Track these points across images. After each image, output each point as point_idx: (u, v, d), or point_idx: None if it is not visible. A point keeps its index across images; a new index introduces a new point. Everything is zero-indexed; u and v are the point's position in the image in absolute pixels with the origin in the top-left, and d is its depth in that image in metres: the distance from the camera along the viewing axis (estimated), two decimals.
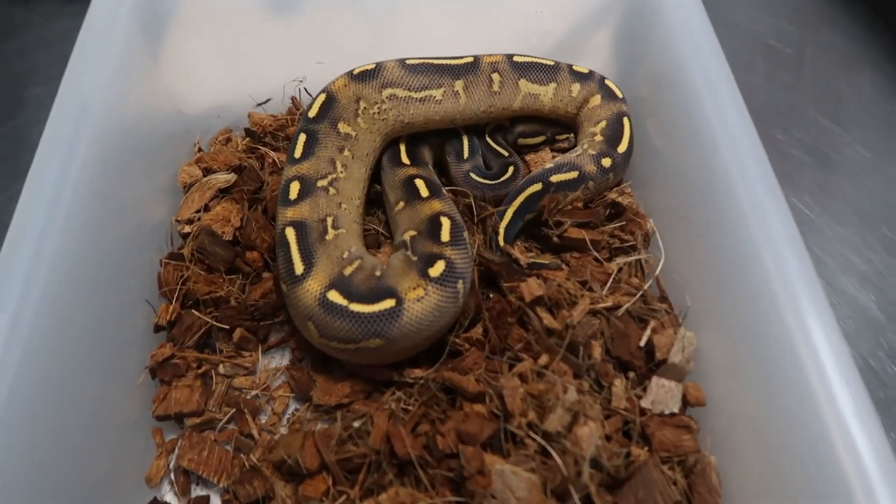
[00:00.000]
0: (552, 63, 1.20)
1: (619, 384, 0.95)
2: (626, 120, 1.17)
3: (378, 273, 0.97)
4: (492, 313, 1.02)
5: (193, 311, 1.04)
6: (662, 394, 0.94)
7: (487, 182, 1.17)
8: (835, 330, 0.78)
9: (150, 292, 1.04)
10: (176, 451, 0.98)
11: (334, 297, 0.91)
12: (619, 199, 1.14)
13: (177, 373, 1.02)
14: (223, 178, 1.15)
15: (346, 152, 1.09)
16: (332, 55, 1.23)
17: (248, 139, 1.23)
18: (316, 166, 1.06)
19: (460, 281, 0.96)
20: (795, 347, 0.79)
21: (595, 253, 1.07)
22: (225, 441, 1.00)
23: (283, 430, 1.01)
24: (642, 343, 0.97)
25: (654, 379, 0.95)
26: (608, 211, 1.14)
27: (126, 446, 0.96)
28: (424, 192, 1.08)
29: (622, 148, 1.14)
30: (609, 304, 1.00)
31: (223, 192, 1.16)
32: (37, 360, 0.79)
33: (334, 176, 1.07)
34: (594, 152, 1.14)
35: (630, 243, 1.10)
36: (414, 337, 0.92)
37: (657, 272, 1.03)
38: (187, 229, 1.12)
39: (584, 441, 0.86)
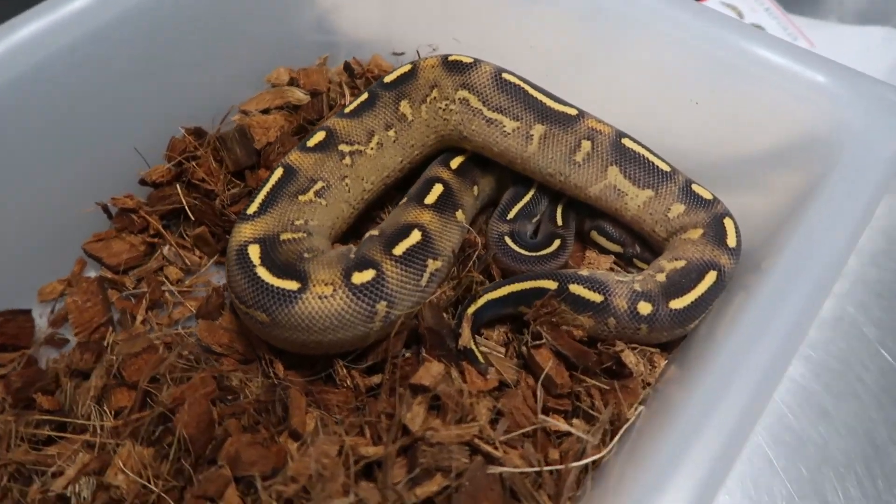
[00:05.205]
0: (667, 169, 0.92)
1: None
2: (711, 274, 0.86)
3: (307, 256, 0.85)
4: (396, 372, 0.84)
5: (178, 185, 1.04)
6: None
7: (522, 252, 0.96)
8: None
9: (158, 149, 1.06)
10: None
11: (252, 251, 0.83)
12: (634, 363, 0.85)
13: (131, 228, 1.03)
14: (298, 95, 1.12)
15: (391, 132, 0.98)
16: (474, 39, 1.10)
17: (346, 74, 1.17)
18: (351, 130, 0.96)
19: (383, 303, 0.80)
20: None
21: (542, 394, 0.82)
22: (114, 310, 0.99)
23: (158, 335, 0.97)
24: None
25: None
26: (609, 364, 0.86)
27: (47, 251, 1.00)
28: (430, 200, 0.93)
29: (678, 304, 0.84)
30: (497, 453, 0.76)
31: (292, 108, 1.12)
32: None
33: (361, 149, 0.96)
34: (640, 289, 0.86)
35: (596, 415, 0.82)
36: (300, 334, 0.80)
37: (575, 464, 0.75)
38: (238, 119, 1.11)
39: None
